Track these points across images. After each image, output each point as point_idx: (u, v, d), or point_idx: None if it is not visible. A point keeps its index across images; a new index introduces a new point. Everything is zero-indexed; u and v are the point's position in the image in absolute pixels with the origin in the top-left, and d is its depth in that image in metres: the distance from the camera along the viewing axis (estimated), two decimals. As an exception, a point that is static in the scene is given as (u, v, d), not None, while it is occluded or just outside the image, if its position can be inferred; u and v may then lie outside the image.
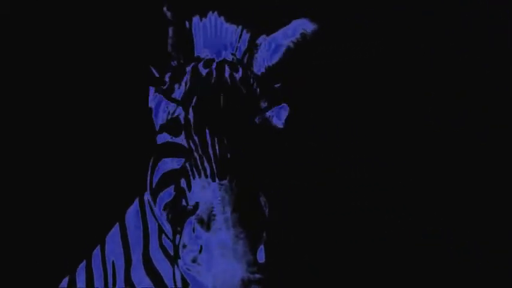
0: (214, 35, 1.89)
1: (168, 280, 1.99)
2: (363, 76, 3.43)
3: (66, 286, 2.19)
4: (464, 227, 3.37)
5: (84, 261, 2.16)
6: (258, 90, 1.91)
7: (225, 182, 1.76)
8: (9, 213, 2.63)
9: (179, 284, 1.87)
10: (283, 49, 1.96)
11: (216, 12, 1.91)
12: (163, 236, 2.02)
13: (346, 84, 3.45)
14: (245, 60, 1.93)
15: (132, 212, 2.08)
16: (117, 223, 2.12)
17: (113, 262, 2.06)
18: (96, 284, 2.09)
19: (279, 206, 2.20)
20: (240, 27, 1.97)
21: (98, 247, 2.16)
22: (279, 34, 2.00)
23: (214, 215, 1.73)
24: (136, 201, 2.10)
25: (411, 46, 3.40)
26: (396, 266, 3.35)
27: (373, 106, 3.43)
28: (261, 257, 1.78)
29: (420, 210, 3.38)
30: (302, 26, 2.00)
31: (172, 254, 1.91)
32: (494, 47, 3.38)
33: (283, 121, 2.02)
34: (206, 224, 1.73)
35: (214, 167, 1.77)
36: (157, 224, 2.01)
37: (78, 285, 2.11)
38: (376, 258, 3.34)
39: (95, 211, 2.34)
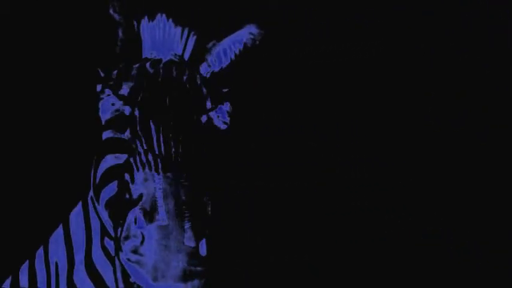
0: (162, 37, 1.93)
1: (109, 282, 1.98)
2: (362, 76, 3.43)
3: (9, 286, 2.16)
4: (464, 227, 3.37)
5: (27, 261, 2.15)
6: (205, 91, 1.92)
7: (169, 174, 1.80)
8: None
9: (121, 284, 1.81)
10: (231, 54, 1.98)
11: (164, 15, 1.94)
12: (106, 237, 2.01)
13: (346, 84, 3.45)
14: (192, 62, 1.96)
15: (75, 213, 2.09)
16: (61, 224, 2.11)
17: (56, 263, 2.05)
18: (39, 284, 2.07)
19: (226, 204, 2.38)
20: (187, 30, 1.99)
21: (41, 247, 2.13)
22: (227, 40, 2.01)
23: (157, 207, 1.76)
24: (80, 202, 2.10)
25: (411, 46, 3.40)
26: (394, 266, 3.35)
27: (372, 106, 3.43)
28: (203, 251, 1.78)
29: (420, 211, 3.38)
30: (250, 32, 2.02)
31: (113, 252, 1.88)
32: (494, 47, 3.38)
33: (227, 121, 1.99)
34: (149, 214, 1.76)
35: (158, 160, 1.80)
36: (100, 223, 2.02)
37: (21, 285, 2.09)
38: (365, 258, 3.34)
39: (39, 211, 2.31)
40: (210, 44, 2.00)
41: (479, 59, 3.38)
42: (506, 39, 3.35)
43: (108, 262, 1.99)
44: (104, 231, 2.02)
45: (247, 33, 2.05)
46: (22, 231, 2.36)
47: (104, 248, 2.02)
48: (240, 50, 2.02)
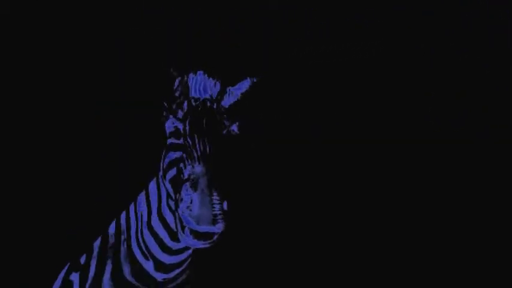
0: (200, 84, 3.35)
1: (172, 225, 3.32)
2: (362, 76, 3.44)
3: (114, 226, 3.55)
4: (464, 226, 3.38)
5: (124, 212, 3.52)
6: (224, 116, 3.30)
7: (205, 165, 3.13)
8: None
9: (179, 227, 3.09)
10: (238, 95, 3.35)
11: (201, 71, 3.32)
12: (169, 199, 3.34)
13: (346, 84, 3.45)
14: (218, 99, 3.35)
15: (152, 184, 3.45)
16: (143, 190, 3.47)
17: (141, 213, 3.46)
18: (132, 226, 3.48)
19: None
20: (215, 79, 3.35)
21: (132, 203, 3.48)
22: (235, 87, 3.37)
23: (198, 182, 3.08)
24: (155, 178, 3.44)
25: (411, 46, 3.41)
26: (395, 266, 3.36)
27: (372, 106, 3.44)
28: (225, 207, 3.06)
29: (419, 211, 3.39)
30: (247, 85, 3.34)
31: (174, 208, 3.19)
32: (494, 47, 3.38)
33: (237, 132, 3.31)
34: (194, 186, 3.06)
35: (199, 155, 3.18)
36: (166, 192, 3.35)
37: (121, 222, 3.52)
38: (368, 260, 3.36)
39: (132, 183, 3.53)
40: (227, 89, 3.32)
41: (479, 59, 3.38)
42: (506, 39, 3.35)
43: (171, 214, 3.33)
44: (168, 196, 3.34)
45: (246, 84, 3.38)
46: (119, 192, 3.61)
47: (168, 205, 3.36)
48: (242, 93, 3.36)
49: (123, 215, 3.55)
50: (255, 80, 3.37)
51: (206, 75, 3.36)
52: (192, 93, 3.36)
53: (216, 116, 3.27)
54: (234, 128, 3.28)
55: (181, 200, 3.07)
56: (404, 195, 3.41)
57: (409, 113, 3.42)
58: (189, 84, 3.36)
